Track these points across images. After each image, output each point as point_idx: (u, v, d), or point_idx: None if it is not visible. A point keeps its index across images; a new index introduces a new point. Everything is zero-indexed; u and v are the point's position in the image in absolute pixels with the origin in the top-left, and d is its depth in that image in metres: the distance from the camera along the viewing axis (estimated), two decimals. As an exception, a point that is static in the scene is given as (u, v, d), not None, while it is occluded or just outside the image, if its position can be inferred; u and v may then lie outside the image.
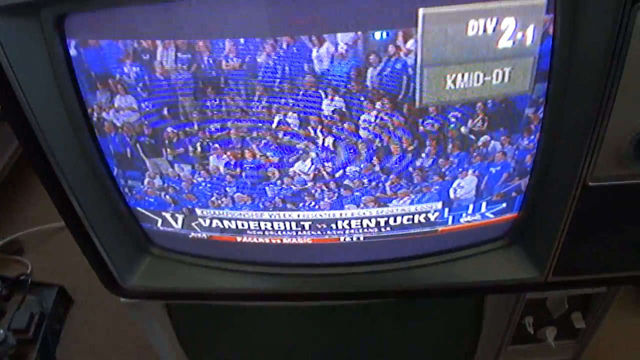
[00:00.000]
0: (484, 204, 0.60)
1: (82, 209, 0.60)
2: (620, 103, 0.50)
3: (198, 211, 0.64)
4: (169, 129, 0.56)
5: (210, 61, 0.50)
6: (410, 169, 0.56)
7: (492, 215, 0.62)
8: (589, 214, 0.59)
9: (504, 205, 0.61)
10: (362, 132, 0.54)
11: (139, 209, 0.64)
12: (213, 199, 0.63)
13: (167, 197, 0.63)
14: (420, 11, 0.45)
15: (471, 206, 0.61)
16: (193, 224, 0.65)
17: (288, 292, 0.74)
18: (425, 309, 0.87)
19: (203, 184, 0.61)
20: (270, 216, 0.64)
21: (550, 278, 0.67)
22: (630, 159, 0.54)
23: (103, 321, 1.30)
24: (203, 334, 0.95)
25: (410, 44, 0.47)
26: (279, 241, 0.67)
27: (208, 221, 0.64)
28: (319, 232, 0.64)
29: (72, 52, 0.51)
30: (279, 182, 0.59)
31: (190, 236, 0.68)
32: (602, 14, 0.45)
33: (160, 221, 0.65)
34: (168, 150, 0.58)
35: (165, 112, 0.55)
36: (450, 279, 0.68)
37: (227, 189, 0.61)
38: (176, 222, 0.65)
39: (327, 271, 0.71)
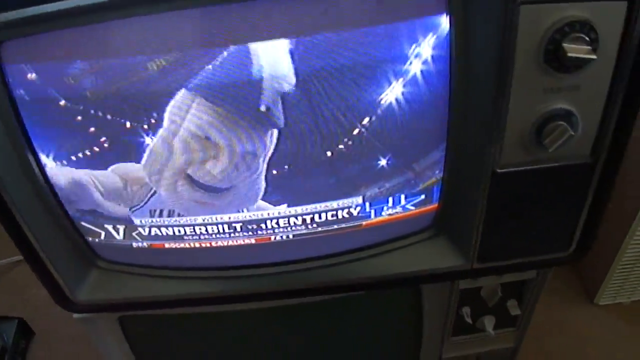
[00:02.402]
0: (402, 197, 0.63)
1: (27, 225, 0.61)
2: (516, 94, 0.53)
3: (136, 220, 0.65)
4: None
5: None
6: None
7: (413, 207, 0.65)
8: (501, 200, 0.62)
9: (423, 196, 0.64)
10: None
11: (82, 223, 0.65)
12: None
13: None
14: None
15: (391, 199, 0.63)
16: (134, 233, 0.67)
17: (230, 294, 0.75)
18: (368, 305, 0.89)
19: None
20: (204, 220, 0.65)
21: (476, 265, 0.70)
22: (533, 145, 0.57)
23: (65, 352, 1.29)
24: (158, 346, 0.95)
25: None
26: (215, 244, 0.69)
27: (147, 230, 0.65)
28: (250, 233, 0.66)
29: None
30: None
31: (133, 246, 0.69)
32: (490, 12, 0.49)
33: (103, 234, 0.67)
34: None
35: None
36: (382, 271, 0.71)
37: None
38: (118, 234, 0.67)
39: (265, 271, 0.73)
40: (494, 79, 0.53)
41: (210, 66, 0.53)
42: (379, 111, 0.56)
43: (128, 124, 0.56)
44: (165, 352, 0.97)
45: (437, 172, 0.62)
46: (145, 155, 0.58)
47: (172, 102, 0.55)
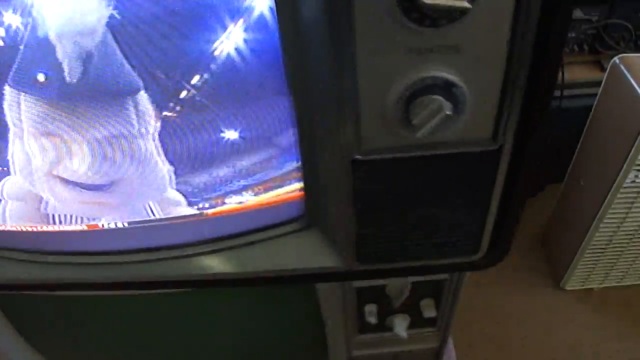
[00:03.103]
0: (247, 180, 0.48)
1: None
2: (365, 55, 0.37)
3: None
4: None
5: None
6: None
7: (263, 195, 0.50)
8: (370, 194, 0.47)
9: (277, 182, 0.49)
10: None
11: None
12: None
13: None
14: None
15: (228, 185, 0.48)
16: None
17: (71, 281, 0.62)
18: (264, 297, 0.76)
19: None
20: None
21: (356, 267, 0.55)
22: (400, 125, 0.42)
23: None
24: (44, 323, 0.86)
25: None
26: (41, 229, 0.56)
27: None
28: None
29: None
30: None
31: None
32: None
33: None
34: None
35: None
36: (239, 267, 0.57)
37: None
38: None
39: (103, 259, 0.60)
40: (329, 33, 0.36)
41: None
42: (213, 66, 0.41)
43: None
44: (54, 328, 0.86)
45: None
46: (11, 164, 0.48)
47: (4, 102, 0.43)
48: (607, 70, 1.03)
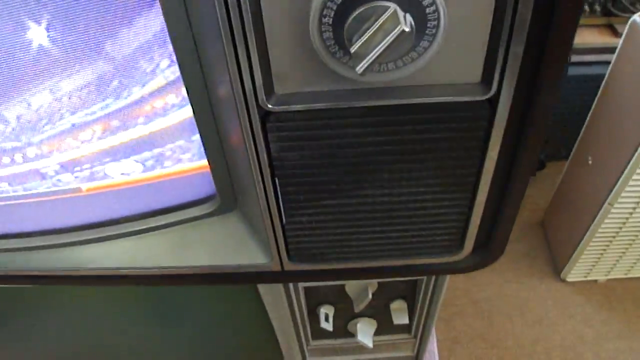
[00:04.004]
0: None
1: None
2: None
3: None
4: None
5: None
6: None
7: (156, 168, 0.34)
8: (296, 165, 0.31)
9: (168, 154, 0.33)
10: None
11: None
12: None
13: None
14: None
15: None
16: None
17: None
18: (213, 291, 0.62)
19: None
20: None
21: (289, 266, 0.40)
22: (331, 56, 0.25)
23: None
24: None
25: None
26: None
27: None
28: None
29: None
30: None
31: None
32: None
33: None
34: None
35: None
36: (138, 260, 0.41)
37: None
38: None
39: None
40: None
41: None
42: None
43: None
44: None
45: (165, 68, 0.30)
46: None
47: None
48: (625, 32, 0.87)
